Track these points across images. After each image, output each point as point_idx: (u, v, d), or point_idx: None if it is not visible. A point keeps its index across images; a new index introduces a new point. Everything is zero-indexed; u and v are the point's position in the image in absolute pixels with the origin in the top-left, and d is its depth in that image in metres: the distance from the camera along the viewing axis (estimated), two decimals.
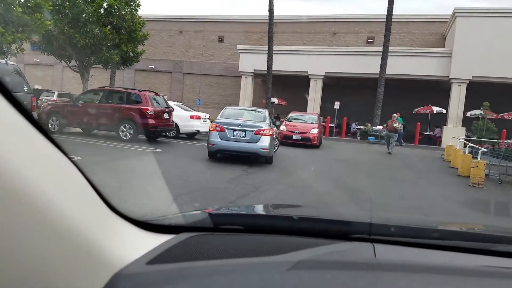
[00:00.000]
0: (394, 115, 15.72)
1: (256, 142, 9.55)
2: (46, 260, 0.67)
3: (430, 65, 23.75)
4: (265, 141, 9.58)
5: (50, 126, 13.19)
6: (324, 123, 19.21)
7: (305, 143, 15.64)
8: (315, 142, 15.85)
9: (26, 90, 11.10)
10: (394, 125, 15.36)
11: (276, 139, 12.80)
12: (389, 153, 15.17)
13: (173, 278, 0.84)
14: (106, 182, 5.94)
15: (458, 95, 23.32)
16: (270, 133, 9.79)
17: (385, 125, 20.02)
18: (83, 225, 0.73)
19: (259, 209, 1.77)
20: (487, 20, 22.47)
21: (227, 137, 9.62)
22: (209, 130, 10.22)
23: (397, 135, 15.83)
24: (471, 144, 12.72)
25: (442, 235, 1.25)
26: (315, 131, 16.08)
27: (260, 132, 9.61)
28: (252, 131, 9.61)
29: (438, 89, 25.69)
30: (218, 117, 10.59)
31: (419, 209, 6.51)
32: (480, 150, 10.66)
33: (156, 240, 0.99)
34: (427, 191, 8.45)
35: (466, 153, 11.77)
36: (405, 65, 23.82)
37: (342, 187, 8.04)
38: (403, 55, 24.42)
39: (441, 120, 24.62)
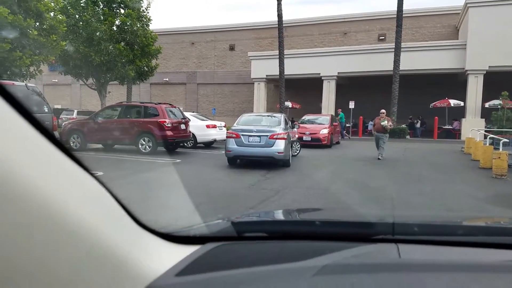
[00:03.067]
0: (382, 111, 12.94)
1: (271, 147, 9.73)
2: (76, 277, 0.69)
3: (444, 58, 23.37)
4: (280, 145, 9.73)
5: (72, 144, 13.46)
6: (336, 124, 19.20)
7: (316, 143, 16.03)
8: (325, 142, 16.27)
9: (46, 111, 11.37)
10: (382, 123, 12.43)
11: (297, 142, 12.96)
12: (379, 159, 12.22)
13: None
14: (129, 195, 6.02)
15: (475, 86, 22.84)
16: (285, 137, 9.91)
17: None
18: (112, 240, 0.75)
19: (281, 215, 1.78)
20: (500, 8, 21.98)
21: (243, 143, 9.89)
22: (226, 137, 10.49)
23: (387, 135, 12.63)
24: (492, 135, 12.43)
25: (467, 231, 1.23)
26: (325, 131, 16.55)
27: (274, 137, 9.77)
28: (266, 136, 9.80)
29: (454, 82, 25.22)
30: (235, 124, 10.85)
31: (442, 205, 6.39)
32: (502, 141, 10.42)
33: (182, 252, 1.01)
34: (449, 185, 8.28)
35: (487, 144, 11.50)
36: (419, 60, 23.47)
37: (361, 187, 7.96)
38: (416, 50, 24.08)
39: (459, 113, 24.13)
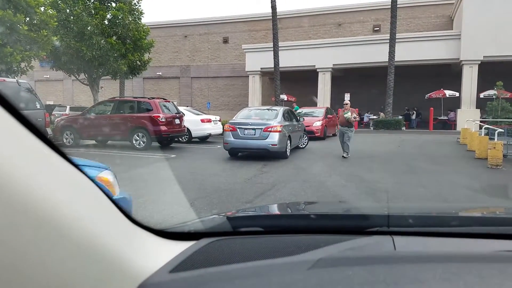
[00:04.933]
0: (346, 101, 11.40)
1: (265, 139, 10.19)
2: (68, 275, 0.68)
3: (439, 49, 23.42)
4: (274, 138, 10.14)
5: (65, 141, 13.39)
6: (332, 116, 19.31)
7: (309, 135, 16.19)
8: (318, 134, 16.72)
9: (38, 107, 11.28)
10: (345, 115, 10.91)
11: (305, 135, 13.47)
12: (344, 157, 10.94)
13: (196, 285, 0.85)
14: (124, 191, 6.00)
15: (470, 76, 22.93)
16: (279, 129, 10.28)
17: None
18: (104, 238, 0.74)
19: (276, 209, 1.78)
20: None
21: (239, 135, 10.40)
22: (224, 130, 11.09)
23: (352, 129, 11.16)
24: (487, 125, 12.51)
25: (462, 222, 1.24)
26: (318, 123, 17.04)
27: (268, 129, 10.20)
28: (261, 128, 10.25)
29: (449, 73, 25.32)
30: (234, 118, 11.37)
31: (438, 196, 6.43)
32: (497, 131, 10.50)
33: (177, 248, 1.00)
34: (444, 176, 8.34)
35: (482, 135, 11.57)
36: (413, 50, 23.53)
37: (357, 179, 7.98)
38: (411, 40, 24.11)
39: (455, 104, 24.25)
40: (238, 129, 10.38)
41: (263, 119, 10.80)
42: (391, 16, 22.61)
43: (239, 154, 11.07)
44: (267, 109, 11.87)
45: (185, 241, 1.05)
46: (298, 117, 13.36)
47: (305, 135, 13.45)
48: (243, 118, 11.08)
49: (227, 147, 10.74)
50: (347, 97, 24.11)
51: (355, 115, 11.10)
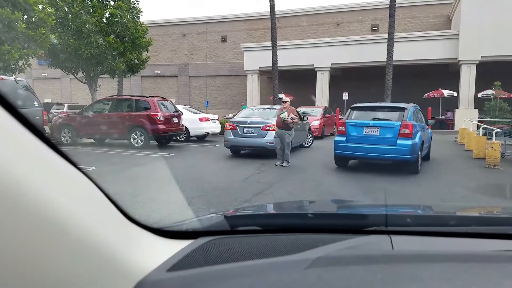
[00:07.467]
0: (285, 99, 9.73)
1: (263, 137, 10.40)
2: (66, 274, 0.68)
3: (437, 49, 23.45)
4: (271, 136, 10.21)
5: (62, 139, 13.35)
6: (330, 115, 19.32)
7: None
8: (316, 133, 16.65)
9: (36, 105, 11.25)
10: (281, 115, 9.19)
11: (310, 134, 13.64)
12: (276, 165, 9.17)
13: (194, 284, 0.85)
14: (122, 190, 6.01)
15: (468, 76, 22.98)
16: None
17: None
18: (102, 236, 0.74)
19: (274, 208, 1.78)
20: None
21: (238, 134, 10.65)
22: (225, 129, 11.30)
23: (291, 132, 9.33)
24: (485, 125, 12.54)
25: (460, 221, 1.24)
26: (316, 123, 17.16)
27: (266, 128, 10.39)
28: (259, 127, 10.46)
29: (447, 72, 25.35)
30: (234, 117, 11.76)
31: (436, 195, 6.44)
32: (494, 131, 10.52)
33: (174, 247, 1.00)
34: (442, 176, 8.35)
35: (480, 134, 11.60)
36: (412, 50, 23.56)
37: (353, 178, 7.99)
38: (409, 40, 24.15)
39: (453, 103, 24.29)
40: (238, 128, 10.62)
41: (262, 118, 10.92)
42: (389, 15, 22.58)
43: (240, 152, 11.22)
44: (268, 108, 12.00)
45: (183, 239, 1.05)
46: (303, 117, 13.38)
47: (309, 134, 13.50)
48: (243, 117, 11.29)
49: (227, 145, 10.95)
50: (345, 94, 24.13)
51: (293, 116, 9.22)
